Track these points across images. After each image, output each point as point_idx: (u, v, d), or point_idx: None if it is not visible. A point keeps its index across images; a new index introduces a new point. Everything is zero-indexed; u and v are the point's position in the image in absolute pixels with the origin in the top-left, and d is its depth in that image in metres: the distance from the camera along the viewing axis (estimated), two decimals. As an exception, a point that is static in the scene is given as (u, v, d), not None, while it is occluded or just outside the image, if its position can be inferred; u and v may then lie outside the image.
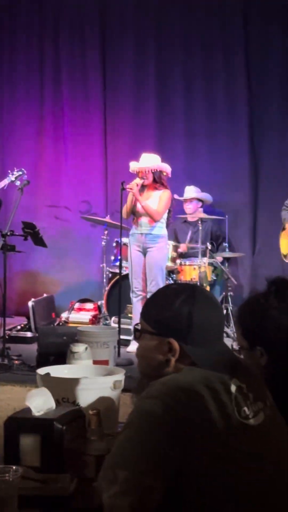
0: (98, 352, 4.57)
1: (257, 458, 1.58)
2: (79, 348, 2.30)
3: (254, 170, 8.00)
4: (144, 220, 6.35)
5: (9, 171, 6.85)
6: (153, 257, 6.35)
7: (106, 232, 7.37)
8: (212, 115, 8.10)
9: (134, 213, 6.40)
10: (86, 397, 2.01)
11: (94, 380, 2.11)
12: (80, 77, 8.51)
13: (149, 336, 1.73)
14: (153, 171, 6.31)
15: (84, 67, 8.50)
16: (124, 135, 8.34)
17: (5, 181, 6.79)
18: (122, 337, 6.07)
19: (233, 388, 1.61)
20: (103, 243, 7.34)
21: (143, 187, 6.34)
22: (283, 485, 1.61)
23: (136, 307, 6.43)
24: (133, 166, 6.37)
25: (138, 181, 6.25)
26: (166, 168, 6.39)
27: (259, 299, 2.02)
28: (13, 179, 6.76)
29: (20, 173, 6.77)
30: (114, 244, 7.29)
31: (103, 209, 8.24)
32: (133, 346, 6.30)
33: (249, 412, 1.60)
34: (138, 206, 6.32)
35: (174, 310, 1.70)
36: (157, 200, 6.29)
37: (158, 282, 6.32)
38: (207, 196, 7.72)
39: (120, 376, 2.11)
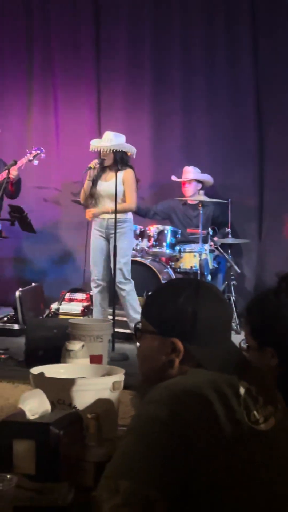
0: (92, 346, 4.59)
1: (269, 466, 1.60)
2: (75, 345, 2.31)
3: (259, 147, 7.96)
4: (105, 202, 6.34)
5: (27, 150, 7.02)
6: (120, 244, 6.29)
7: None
8: (213, 87, 8.06)
9: (92, 196, 6.39)
10: (83, 399, 2.02)
11: (92, 381, 2.12)
12: (72, 46, 8.51)
13: (150, 336, 1.73)
14: (114, 151, 6.28)
15: (75, 39, 8.50)
16: (118, 112, 8.32)
17: (23, 161, 6.94)
18: (117, 330, 6.10)
19: (242, 390, 1.61)
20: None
21: (104, 168, 6.34)
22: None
23: (97, 297, 6.49)
24: (93, 144, 6.37)
25: (95, 162, 6.27)
26: (130, 148, 6.38)
27: (269, 296, 2.03)
28: (31, 158, 6.95)
29: (39, 151, 6.93)
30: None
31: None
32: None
33: (259, 416, 1.61)
34: (98, 187, 6.33)
35: (178, 308, 1.70)
36: (120, 182, 6.26)
37: (123, 271, 6.33)
38: (207, 177, 7.70)
39: (119, 377, 2.12)
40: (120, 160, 6.32)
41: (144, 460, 1.51)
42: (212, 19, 8.05)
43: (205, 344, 1.69)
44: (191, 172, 7.66)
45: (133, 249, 7.03)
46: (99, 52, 8.44)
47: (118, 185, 6.22)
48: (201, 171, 7.71)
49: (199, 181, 7.68)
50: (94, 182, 6.38)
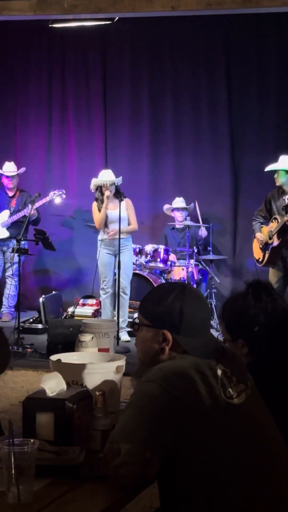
0: (101, 341, 4.52)
1: (242, 432, 1.60)
2: (86, 337, 2.31)
3: (234, 185, 7.98)
4: (114, 227, 6.33)
5: (52, 190, 7.11)
6: (125, 258, 6.35)
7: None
8: (197, 137, 8.07)
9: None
10: (92, 380, 2.01)
11: (99, 365, 2.11)
12: (84, 101, 8.45)
13: (146, 328, 1.73)
14: (116, 184, 6.35)
15: (87, 95, 8.45)
16: (122, 154, 8.28)
17: (47, 199, 7.07)
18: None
19: (219, 372, 1.62)
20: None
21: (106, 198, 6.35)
22: (265, 454, 1.62)
23: (105, 302, 6.49)
24: (97, 181, 6.38)
25: (107, 193, 6.28)
26: (120, 181, 6.48)
27: (239, 299, 2.05)
28: (54, 197, 7.04)
29: (61, 193, 7.05)
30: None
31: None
32: (125, 336, 6.30)
33: (233, 392, 1.62)
34: (108, 214, 6.33)
35: (167, 305, 1.70)
36: (123, 208, 6.29)
37: (129, 277, 6.42)
38: (191, 206, 7.70)
39: (121, 362, 2.11)
40: (118, 189, 6.36)
41: (141, 427, 1.53)
42: (197, 85, 8.07)
43: (189, 335, 1.69)
44: (180, 202, 7.65)
45: (133, 263, 7.05)
46: (106, 105, 8.40)
47: (122, 211, 6.23)
48: (188, 201, 7.67)
49: (185, 209, 7.66)
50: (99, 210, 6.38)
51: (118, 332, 5.87)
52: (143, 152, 8.20)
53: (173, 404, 1.54)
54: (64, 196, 7.19)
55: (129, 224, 6.46)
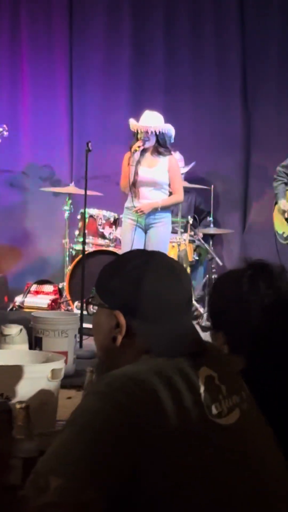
0: (56, 341, 4.56)
1: (231, 465, 1.53)
2: (12, 330, 2.25)
3: (246, 131, 8.00)
4: (146, 191, 6.21)
5: None
6: (157, 235, 6.19)
7: (69, 202, 7.29)
8: (198, 65, 8.09)
9: (134, 184, 6.21)
10: (17, 388, 1.96)
11: (26, 368, 2.05)
12: (43, 20, 8.45)
13: (99, 309, 1.71)
14: (157, 132, 6.15)
15: (48, 12, 8.45)
16: (93, 89, 8.31)
17: None
18: (85, 325, 6.02)
19: (201, 378, 1.56)
20: (66, 215, 7.27)
21: (143, 151, 6.18)
22: (265, 497, 1.56)
23: None
24: (135, 124, 6.20)
25: (136, 146, 6.10)
26: (172, 131, 6.25)
27: (231, 281, 2.07)
28: None
29: (1, 129, 6.84)
30: (79, 217, 7.22)
31: (68, 174, 8.17)
32: None
33: (222, 407, 1.56)
34: (140, 174, 6.16)
35: (121, 277, 1.67)
36: (164, 169, 6.17)
37: None
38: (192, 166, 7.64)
39: (59, 364, 2.06)
40: (162, 143, 6.20)
41: (82, 455, 1.46)
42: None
43: (152, 320, 1.64)
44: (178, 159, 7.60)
45: (106, 238, 6.99)
46: (73, 21, 8.38)
47: (163, 173, 6.15)
48: (185, 157, 7.65)
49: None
50: (132, 168, 6.21)
51: (81, 329, 5.82)
52: (122, 86, 8.20)
53: (128, 424, 1.46)
54: (6, 133, 6.90)
55: (170, 194, 6.33)
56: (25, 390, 1.97)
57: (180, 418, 1.50)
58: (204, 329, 5.63)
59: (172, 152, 7.28)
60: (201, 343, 1.69)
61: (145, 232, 6.26)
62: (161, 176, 6.14)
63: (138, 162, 6.16)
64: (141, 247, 6.10)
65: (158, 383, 1.51)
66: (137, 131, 6.14)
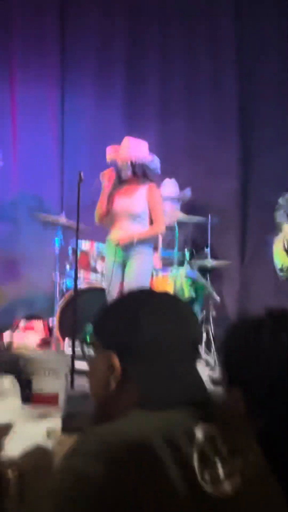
0: (45, 382, 4.46)
1: None
2: (3, 383, 2.10)
3: (244, 160, 8.02)
4: (125, 223, 6.07)
5: None
6: (136, 268, 6.06)
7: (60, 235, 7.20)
8: (193, 91, 8.15)
9: (110, 214, 6.13)
10: (8, 449, 1.81)
11: (18, 427, 1.91)
12: (34, 47, 8.51)
13: (95, 350, 1.66)
14: (134, 162, 6.03)
15: (39, 37, 8.51)
16: (84, 115, 8.32)
17: None
18: (77, 365, 5.92)
19: (198, 438, 1.41)
20: (57, 248, 7.15)
21: (121, 181, 6.07)
22: None
23: None
24: (111, 154, 6.08)
25: (107, 175, 6.03)
26: (156, 162, 6.11)
27: (249, 330, 1.95)
28: None
29: None
30: (70, 251, 7.13)
31: (58, 205, 8.14)
32: None
33: (216, 474, 1.40)
34: (117, 205, 6.06)
35: (118, 315, 1.62)
36: (142, 200, 6.04)
37: None
38: (186, 193, 7.58)
39: (55, 423, 1.91)
40: (140, 171, 6.07)
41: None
42: (193, 18, 8.19)
43: (148, 363, 1.55)
44: (172, 186, 7.54)
45: (98, 273, 6.90)
46: (64, 47, 8.48)
47: (138, 202, 6.02)
48: (179, 184, 7.65)
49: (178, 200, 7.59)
50: (109, 198, 6.12)
51: (72, 369, 5.69)
52: (115, 114, 8.20)
53: (121, 495, 1.30)
54: (0, 163, 7.01)
55: (150, 223, 6.19)
56: (16, 451, 1.82)
57: (187, 490, 1.36)
58: (215, 382, 5.44)
59: (167, 179, 7.22)
60: (205, 393, 1.59)
61: (123, 265, 6.15)
62: (138, 206, 6.00)
63: (115, 190, 6.06)
64: (120, 278, 6.06)
65: (163, 451, 1.36)
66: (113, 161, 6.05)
